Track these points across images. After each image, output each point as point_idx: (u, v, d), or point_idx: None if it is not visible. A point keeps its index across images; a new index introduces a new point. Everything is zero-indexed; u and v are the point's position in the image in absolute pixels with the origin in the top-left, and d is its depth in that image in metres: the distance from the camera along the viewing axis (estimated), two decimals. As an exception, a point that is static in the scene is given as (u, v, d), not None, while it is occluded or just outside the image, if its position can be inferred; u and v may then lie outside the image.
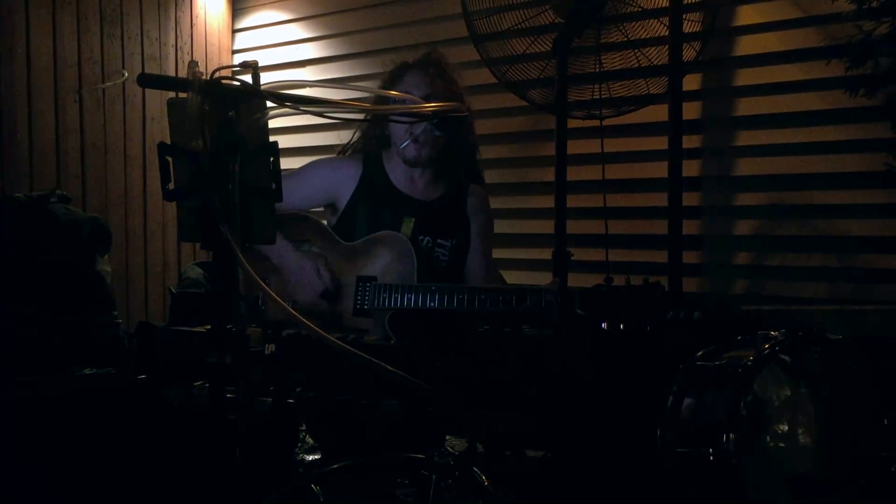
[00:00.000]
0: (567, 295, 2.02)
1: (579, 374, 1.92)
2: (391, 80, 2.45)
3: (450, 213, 2.47)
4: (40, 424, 1.74)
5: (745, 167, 2.93)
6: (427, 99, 2.34)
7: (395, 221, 2.40)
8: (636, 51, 2.67)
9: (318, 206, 2.56)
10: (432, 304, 2.16)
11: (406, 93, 2.36)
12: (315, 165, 2.58)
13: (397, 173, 2.47)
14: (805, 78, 2.76)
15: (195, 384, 1.74)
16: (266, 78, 1.32)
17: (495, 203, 2.69)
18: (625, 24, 2.66)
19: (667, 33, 2.58)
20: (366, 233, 2.38)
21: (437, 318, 2.20)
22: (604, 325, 1.96)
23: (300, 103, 1.35)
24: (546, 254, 2.66)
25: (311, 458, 1.65)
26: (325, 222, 2.51)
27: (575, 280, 2.66)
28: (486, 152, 2.58)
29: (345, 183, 2.47)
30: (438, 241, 2.43)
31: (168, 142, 1.33)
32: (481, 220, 2.51)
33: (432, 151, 2.41)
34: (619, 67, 2.73)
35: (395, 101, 2.08)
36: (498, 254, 2.69)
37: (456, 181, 2.51)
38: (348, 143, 2.57)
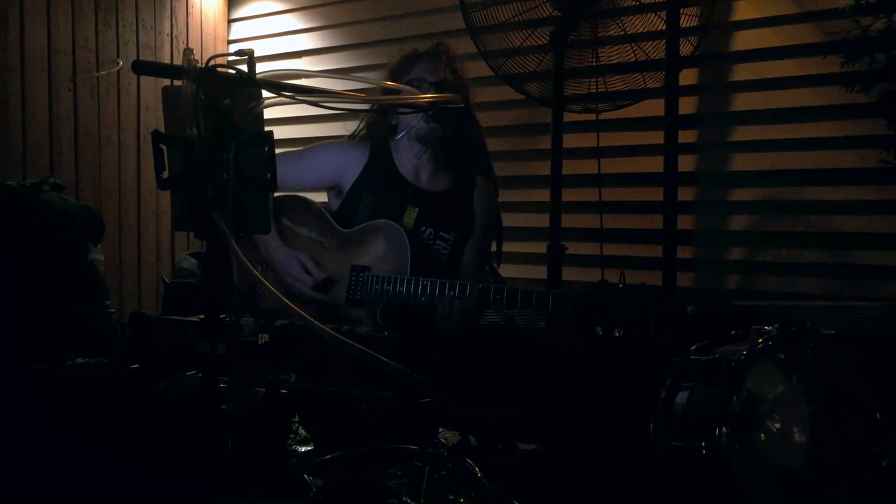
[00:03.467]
0: (559, 299, 2.01)
1: (570, 369, 1.92)
2: (400, 67, 2.42)
3: (455, 207, 2.44)
4: (31, 413, 1.74)
5: (741, 162, 2.93)
6: (438, 87, 2.34)
7: (398, 210, 2.38)
8: (633, 45, 2.67)
9: (323, 188, 2.55)
10: (423, 298, 2.15)
11: (418, 79, 2.37)
12: (323, 147, 2.56)
13: (404, 162, 2.45)
14: (801, 74, 2.76)
15: (188, 374, 1.74)
16: (262, 68, 1.31)
17: (490, 196, 2.68)
18: (622, 18, 2.66)
19: (664, 28, 2.57)
20: (367, 219, 2.36)
21: (429, 313, 2.18)
22: (599, 331, 1.94)
23: (296, 92, 1.34)
24: (541, 247, 2.67)
25: (303, 449, 1.65)
26: (318, 205, 2.50)
27: (570, 274, 2.67)
28: (484, 145, 2.57)
29: (351, 167, 2.45)
30: (440, 233, 2.41)
31: (162, 130, 1.33)
32: (484, 218, 2.48)
33: (438, 133, 2.39)
34: (615, 61, 2.73)
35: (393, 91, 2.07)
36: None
37: (463, 174, 2.49)
38: (356, 130, 2.56)
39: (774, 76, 2.82)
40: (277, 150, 1.34)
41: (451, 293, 2.09)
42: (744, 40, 2.89)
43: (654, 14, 2.63)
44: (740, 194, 2.94)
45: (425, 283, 2.15)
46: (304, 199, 2.48)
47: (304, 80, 1.39)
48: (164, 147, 1.31)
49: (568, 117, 2.70)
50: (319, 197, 2.56)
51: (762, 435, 1.49)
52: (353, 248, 2.33)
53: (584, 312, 1.95)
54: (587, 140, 2.88)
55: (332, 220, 2.40)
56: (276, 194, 2.44)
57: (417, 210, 2.39)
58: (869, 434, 1.57)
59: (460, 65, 2.46)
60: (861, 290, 2.66)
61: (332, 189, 2.52)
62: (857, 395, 1.59)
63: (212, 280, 1.32)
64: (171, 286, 3.21)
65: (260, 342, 1.63)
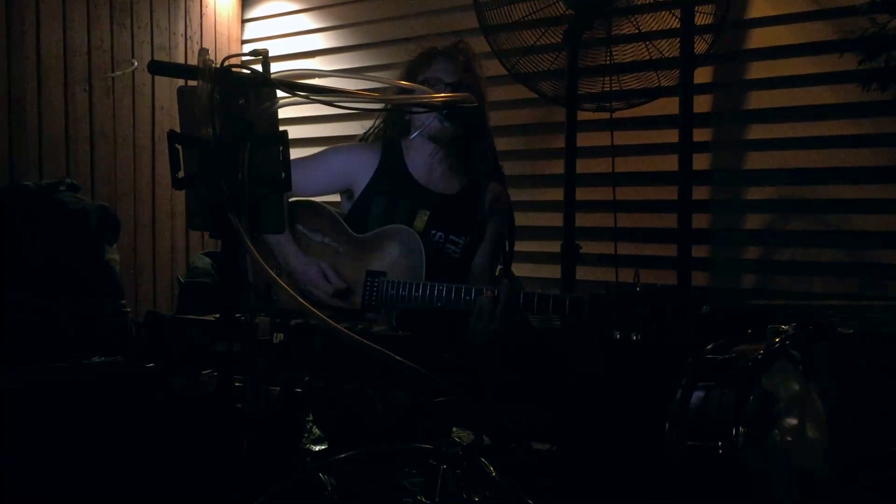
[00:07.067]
0: (576, 302, 1.99)
1: (586, 371, 1.92)
2: (418, 64, 2.41)
3: (466, 210, 2.42)
4: (47, 412, 1.75)
5: (756, 161, 2.91)
6: (454, 88, 2.33)
7: (410, 213, 2.37)
8: (647, 43, 2.66)
9: (335, 192, 2.54)
10: (440, 303, 2.14)
11: (434, 78, 2.36)
12: (333, 151, 2.56)
13: (416, 163, 2.44)
14: (817, 71, 2.75)
15: (203, 373, 1.74)
16: (276, 68, 1.31)
17: (504, 195, 2.67)
18: (636, 16, 2.65)
19: (678, 25, 2.56)
20: (379, 222, 2.35)
21: (445, 317, 2.17)
22: (616, 335, 1.92)
23: (310, 92, 1.35)
24: (555, 246, 2.66)
25: (317, 448, 1.65)
26: (332, 209, 2.50)
27: (583, 273, 2.67)
28: (497, 144, 2.57)
29: (362, 170, 2.44)
30: (451, 236, 2.39)
31: (178, 130, 1.33)
32: (495, 222, 2.46)
33: (451, 133, 2.38)
34: (630, 60, 2.71)
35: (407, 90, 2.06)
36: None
37: (475, 177, 2.48)
38: (368, 130, 2.55)
39: (790, 74, 2.80)
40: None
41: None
42: (759, 38, 2.87)
43: (668, 12, 2.61)
44: (756, 193, 2.92)
45: (441, 287, 2.13)
46: (316, 203, 2.46)
47: (318, 79, 1.39)
48: (180, 147, 1.32)
49: (582, 116, 2.69)
50: (330, 199, 2.56)
51: (779, 435, 1.48)
52: (368, 253, 2.32)
53: (601, 316, 1.94)
54: (601, 139, 2.87)
55: (345, 225, 2.39)
56: (289, 200, 2.43)
57: (428, 213, 2.38)
58: (886, 434, 1.56)
59: (478, 64, 2.45)
60: (879, 289, 2.64)
61: (343, 193, 2.51)
62: (874, 395, 1.58)
63: (227, 279, 1.32)
64: (185, 286, 3.23)
65: (275, 341, 1.64)
